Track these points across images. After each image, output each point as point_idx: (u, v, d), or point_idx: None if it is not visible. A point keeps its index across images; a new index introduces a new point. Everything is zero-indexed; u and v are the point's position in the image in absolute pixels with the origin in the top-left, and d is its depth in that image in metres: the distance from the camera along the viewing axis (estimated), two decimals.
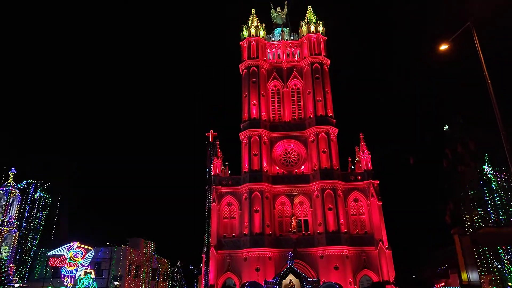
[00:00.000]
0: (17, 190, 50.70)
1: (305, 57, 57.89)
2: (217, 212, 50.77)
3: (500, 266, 32.09)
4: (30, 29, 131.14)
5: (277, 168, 53.46)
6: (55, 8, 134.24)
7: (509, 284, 31.22)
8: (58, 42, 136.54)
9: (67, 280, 28.74)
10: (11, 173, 50.10)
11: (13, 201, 49.59)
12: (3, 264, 41.44)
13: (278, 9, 64.26)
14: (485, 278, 32.21)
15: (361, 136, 53.55)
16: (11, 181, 49.84)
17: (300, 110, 56.39)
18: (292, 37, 60.83)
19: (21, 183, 52.69)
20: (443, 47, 19.48)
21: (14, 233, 48.98)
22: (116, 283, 51.21)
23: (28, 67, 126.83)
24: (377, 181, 50.59)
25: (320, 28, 59.21)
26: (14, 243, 48.47)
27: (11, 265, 46.75)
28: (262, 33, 60.14)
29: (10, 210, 49.10)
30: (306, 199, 50.91)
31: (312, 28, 58.97)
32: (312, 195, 50.54)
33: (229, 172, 55.11)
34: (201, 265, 50.90)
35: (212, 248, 48.24)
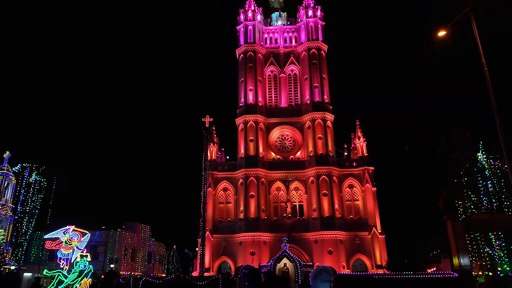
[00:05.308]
0: (12, 174, 50.40)
1: (302, 43, 57.41)
2: (212, 197, 51.03)
3: (491, 252, 32.68)
4: (30, 29, 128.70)
5: (273, 154, 53.56)
6: (54, 8, 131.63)
7: (499, 269, 31.85)
8: (55, 28, 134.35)
9: (63, 263, 28.82)
10: (6, 154, 49.61)
11: (8, 184, 49.39)
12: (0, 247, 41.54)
13: None
14: (476, 263, 32.81)
15: (357, 123, 53.70)
16: (6, 165, 49.52)
17: (296, 96, 56.21)
18: (289, 22, 60.15)
19: (16, 166, 52.33)
20: (441, 33, 19.37)
21: (10, 217, 48.98)
22: (112, 266, 51.58)
23: (26, 61, 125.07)
24: (372, 168, 50.97)
25: (318, 13, 58.57)
26: (9, 226, 48.52)
27: (7, 248, 46.91)
28: (259, 17, 59.41)
29: (5, 193, 48.95)
30: (302, 184, 51.23)
31: (310, 12, 58.31)
32: (307, 181, 50.83)
33: (225, 157, 55.16)
34: (197, 249, 51.40)
35: (207, 233, 48.60)
